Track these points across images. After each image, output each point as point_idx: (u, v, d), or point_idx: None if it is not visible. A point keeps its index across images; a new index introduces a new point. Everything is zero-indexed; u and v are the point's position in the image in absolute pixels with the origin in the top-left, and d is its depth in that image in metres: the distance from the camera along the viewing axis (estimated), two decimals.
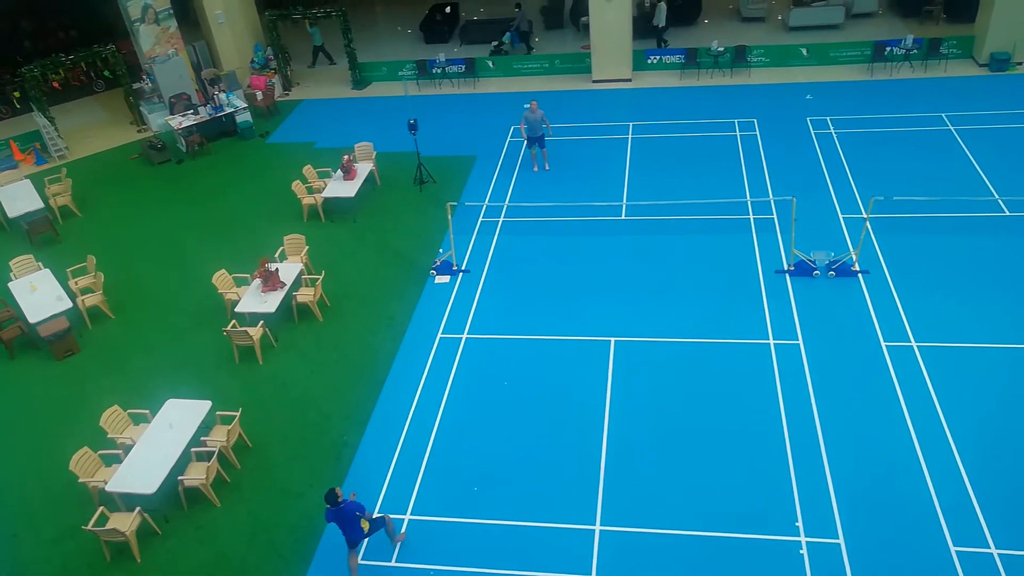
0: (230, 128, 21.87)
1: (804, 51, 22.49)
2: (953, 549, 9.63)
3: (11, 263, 15.82)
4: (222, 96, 21.91)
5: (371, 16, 29.89)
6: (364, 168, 18.16)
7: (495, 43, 24.50)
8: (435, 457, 11.58)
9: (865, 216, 14.80)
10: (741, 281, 14.31)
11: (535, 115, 17.57)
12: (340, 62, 25.04)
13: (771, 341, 12.93)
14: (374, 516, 10.04)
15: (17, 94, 23.77)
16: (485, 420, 12.08)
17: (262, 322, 13.88)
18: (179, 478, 11.06)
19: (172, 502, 11.18)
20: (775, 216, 15.94)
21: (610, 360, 12.90)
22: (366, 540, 10.18)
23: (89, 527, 10.34)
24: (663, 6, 23.23)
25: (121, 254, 17.09)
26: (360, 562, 10.20)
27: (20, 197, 18.50)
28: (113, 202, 19.35)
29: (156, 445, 11.33)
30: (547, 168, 18.39)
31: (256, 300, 14.17)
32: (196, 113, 21.60)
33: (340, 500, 9.48)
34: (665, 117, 20.46)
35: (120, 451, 11.61)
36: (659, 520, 10.33)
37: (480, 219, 16.91)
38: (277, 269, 14.51)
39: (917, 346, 12.55)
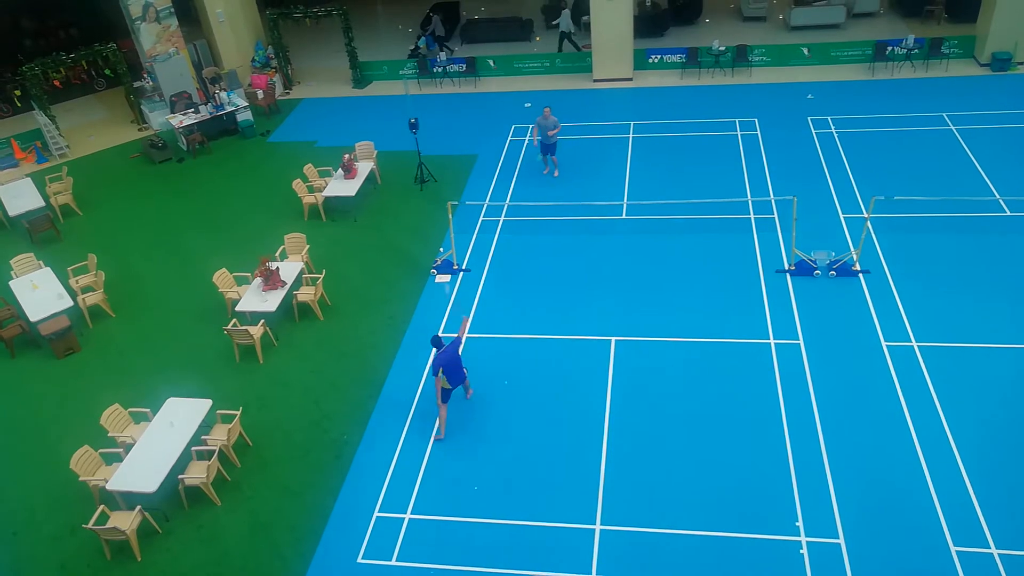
0: (231, 127, 21.87)
1: (805, 51, 22.48)
2: (953, 549, 9.63)
3: (12, 261, 15.83)
4: (223, 95, 21.92)
5: (372, 15, 29.89)
6: (365, 167, 18.16)
7: (412, 47, 25.12)
8: (435, 456, 11.58)
9: (866, 216, 14.80)
10: (742, 281, 14.30)
11: (547, 121, 17.28)
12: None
13: (771, 341, 12.92)
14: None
15: (18, 92, 23.78)
16: (485, 419, 12.07)
17: (263, 321, 13.88)
18: (180, 477, 11.07)
19: (173, 501, 11.18)
20: (776, 215, 15.94)
21: (611, 360, 12.90)
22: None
23: (89, 526, 10.34)
24: (567, 12, 23.70)
25: (122, 252, 17.10)
26: (360, 560, 10.22)
27: (21, 195, 18.53)
28: (114, 200, 19.36)
29: (157, 444, 11.33)
30: (556, 175, 18.22)
31: (257, 299, 14.17)
32: (197, 112, 21.61)
33: (441, 345, 10.70)
34: (666, 116, 20.45)
35: (121, 450, 11.62)
36: (659, 520, 10.33)
37: (481, 218, 16.91)
38: (278, 268, 14.51)
39: (918, 346, 12.54)
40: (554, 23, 24.17)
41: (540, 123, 17.41)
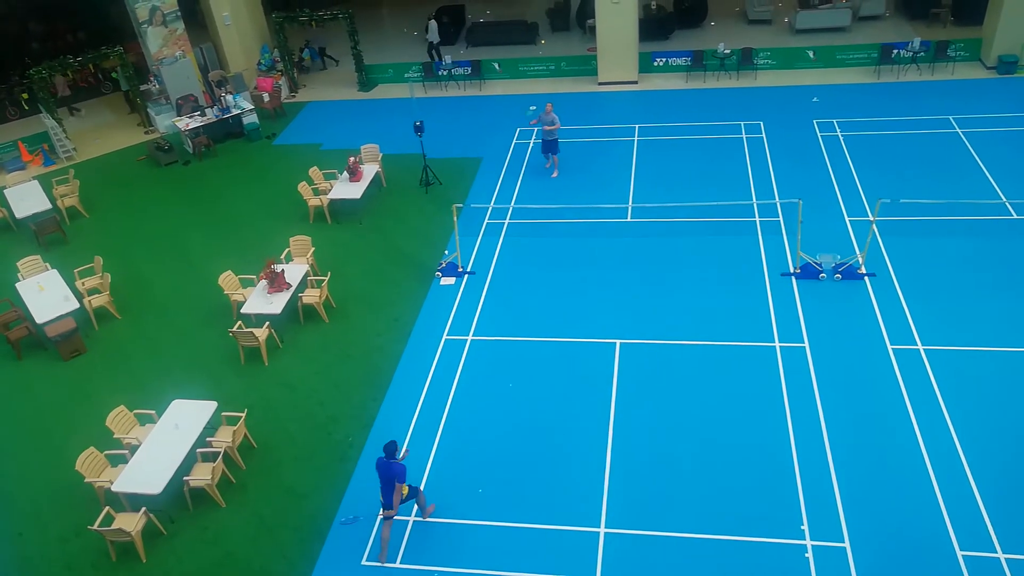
0: (236, 130, 21.94)
1: (811, 53, 22.45)
2: (959, 553, 9.59)
3: (19, 264, 15.90)
4: (229, 98, 21.98)
5: (377, 18, 29.96)
6: (370, 170, 18.20)
7: (296, 59, 25.62)
8: (440, 459, 11.57)
9: (871, 219, 14.75)
10: (747, 284, 14.28)
11: (548, 117, 17.54)
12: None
13: (777, 344, 12.89)
14: (410, 488, 10.01)
15: (25, 95, 23.89)
16: (490, 422, 12.07)
17: (268, 323, 13.89)
18: (185, 478, 11.08)
19: (177, 502, 11.20)
20: (781, 218, 15.92)
21: (615, 363, 12.88)
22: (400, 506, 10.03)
23: (95, 527, 10.36)
24: (434, 23, 24.22)
25: (128, 255, 17.15)
26: (364, 563, 10.22)
27: (28, 198, 18.61)
28: (120, 203, 19.43)
29: (162, 445, 11.36)
30: (555, 175, 18.28)
31: (262, 301, 14.20)
32: (203, 115, 21.68)
33: (396, 456, 9.64)
34: (671, 119, 20.45)
35: (126, 451, 11.64)
36: (664, 523, 10.31)
37: (486, 221, 16.92)
38: (283, 270, 14.54)
39: (923, 349, 12.50)
40: (426, 35, 24.66)
41: (542, 118, 17.69)
